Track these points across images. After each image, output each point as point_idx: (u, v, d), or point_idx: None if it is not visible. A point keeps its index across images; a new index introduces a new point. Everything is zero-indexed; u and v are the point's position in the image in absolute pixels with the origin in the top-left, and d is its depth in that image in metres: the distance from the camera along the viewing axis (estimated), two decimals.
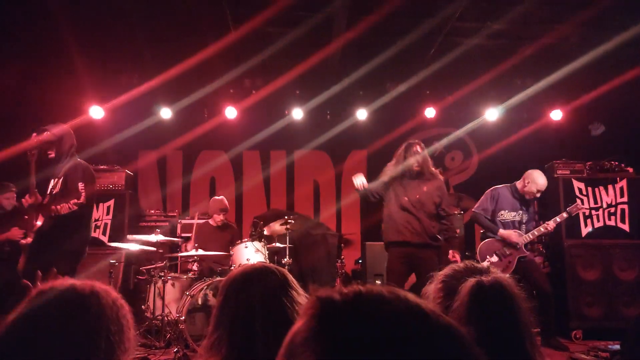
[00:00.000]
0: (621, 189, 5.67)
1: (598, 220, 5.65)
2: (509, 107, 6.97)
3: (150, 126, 7.02)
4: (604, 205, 5.67)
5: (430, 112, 7.13)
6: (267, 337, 1.21)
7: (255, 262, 1.81)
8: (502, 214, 5.06)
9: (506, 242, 4.96)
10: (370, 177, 4.61)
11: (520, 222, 5.04)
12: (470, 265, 1.28)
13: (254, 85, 7.10)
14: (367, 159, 7.71)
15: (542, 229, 4.92)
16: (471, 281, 1.19)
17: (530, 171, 5.09)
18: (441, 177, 4.76)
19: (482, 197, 5.23)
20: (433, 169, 4.71)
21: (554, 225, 4.95)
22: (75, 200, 3.88)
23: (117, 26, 5.83)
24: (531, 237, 4.95)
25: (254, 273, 1.37)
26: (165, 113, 7.01)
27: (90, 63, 6.31)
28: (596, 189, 5.70)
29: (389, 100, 7.02)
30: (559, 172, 5.77)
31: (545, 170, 6.00)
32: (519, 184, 5.11)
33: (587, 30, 5.72)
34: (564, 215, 4.98)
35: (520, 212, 5.05)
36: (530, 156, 6.70)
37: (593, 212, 5.67)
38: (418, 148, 4.63)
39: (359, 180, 4.60)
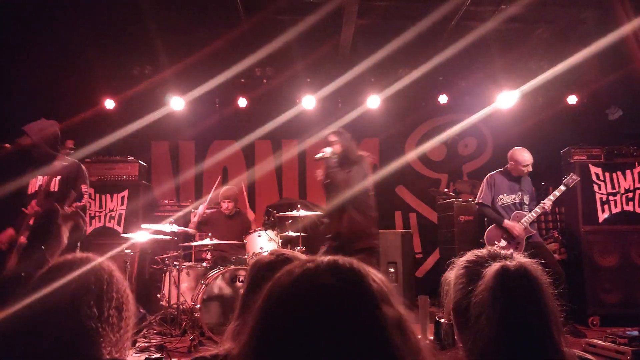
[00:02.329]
0: (639, 173, 5.58)
1: (615, 206, 5.57)
2: (524, 92, 6.86)
3: (163, 117, 7.03)
4: (622, 191, 5.58)
5: (443, 99, 7.04)
6: None
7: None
8: (501, 199, 5.06)
9: None
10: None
11: (521, 203, 5.01)
12: (493, 251, 1.26)
13: (264, 75, 7.07)
14: (380, 147, 7.65)
15: (539, 210, 4.88)
16: (495, 265, 1.17)
17: (511, 151, 5.09)
18: (369, 160, 4.61)
19: (481, 187, 5.21)
20: (359, 152, 4.54)
21: (552, 201, 4.88)
22: (78, 204, 3.92)
23: (129, 18, 5.83)
24: (534, 216, 4.90)
25: (279, 260, 1.45)
26: (177, 104, 7.01)
27: (103, 55, 6.33)
28: (613, 174, 5.62)
29: (401, 87, 6.94)
30: (576, 157, 5.68)
31: (561, 156, 5.93)
32: (508, 166, 5.09)
33: (603, 12, 5.59)
34: (562, 188, 4.93)
35: (520, 193, 5.03)
36: (546, 142, 6.61)
37: (610, 197, 5.58)
38: (332, 137, 4.50)
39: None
